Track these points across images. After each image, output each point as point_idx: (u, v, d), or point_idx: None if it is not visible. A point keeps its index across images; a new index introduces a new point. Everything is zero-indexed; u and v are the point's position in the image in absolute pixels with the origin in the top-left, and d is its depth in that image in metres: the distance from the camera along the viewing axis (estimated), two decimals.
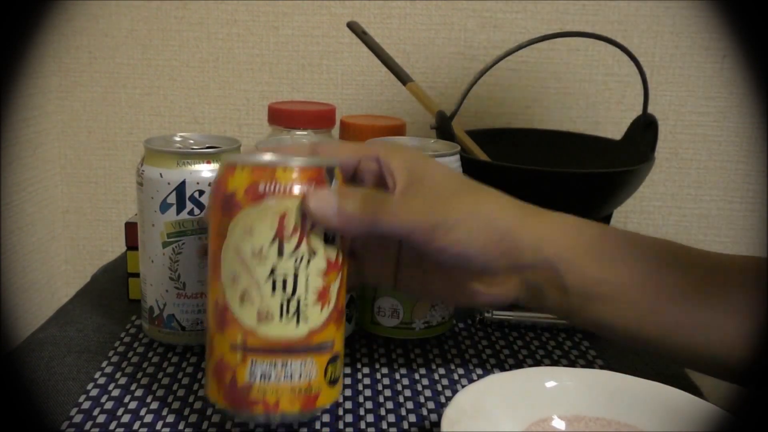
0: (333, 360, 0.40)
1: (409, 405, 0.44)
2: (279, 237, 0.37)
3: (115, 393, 0.44)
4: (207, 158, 0.47)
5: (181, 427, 0.41)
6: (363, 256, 0.44)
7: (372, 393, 0.46)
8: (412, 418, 0.43)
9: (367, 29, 0.67)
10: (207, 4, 0.89)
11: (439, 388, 0.47)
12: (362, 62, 0.90)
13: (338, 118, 0.64)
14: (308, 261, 0.38)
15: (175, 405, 0.43)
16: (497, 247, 0.41)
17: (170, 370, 0.47)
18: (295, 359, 0.38)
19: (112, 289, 0.60)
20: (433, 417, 0.43)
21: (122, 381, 0.46)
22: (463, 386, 0.47)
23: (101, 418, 0.42)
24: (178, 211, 0.47)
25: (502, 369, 0.49)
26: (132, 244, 0.56)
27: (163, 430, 0.41)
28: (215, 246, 0.39)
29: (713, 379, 0.44)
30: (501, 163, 0.60)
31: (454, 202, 0.41)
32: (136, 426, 0.41)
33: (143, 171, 0.48)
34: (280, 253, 0.37)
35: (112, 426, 0.41)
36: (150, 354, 0.50)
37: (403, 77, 0.65)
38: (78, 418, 0.42)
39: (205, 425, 0.41)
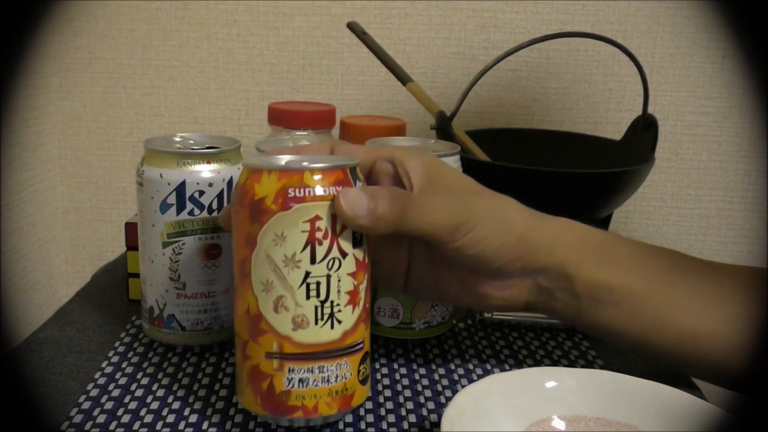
0: (364, 359, 0.40)
1: (409, 405, 0.44)
2: (311, 242, 0.37)
3: (115, 393, 0.44)
4: (207, 158, 0.47)
5: (181, 427, 0.41)
6: (374, 259, 0.44)
7: (372, 393, 0.46)
8: (412, 418, 0.43)
9: (367, 29, 0.67)
10: (207, 4, 0.89)
11: (439, 388, 0.47)
12: (362, 62, 0.90)
13: (338, 118, 0.64)
14: (339, 264, 0.38)
15: (176, 405, 0.43)
16: (513, 249, 0.41)
17: (170, 370, 0.48)
18: (330, 362, 0.38)
19: (112, 290, 0.60)
20: (433, 417, 0.43)
21: (122, 381, 0.46)
22: (463, 386, 0.47)
23: (101, 418, 0.42)
24: (178, 212, 0.47)
25: (502, 369, 0.49)
26: (132, 244, 0.56)
27: (163, 430, 0.41)
28: (244, 254, 0.38)
29: None
30: (501, 163, 0.60)
31: (474, 203, 0.41)
32: (136, 426, 0.41)
33: (143, 171, 0.48)
34: (313, 257, 0.37)
35: (112, 426, 0.41)
36: (150, 354, 0.50)
37: (403, 77, 0.65)
38: (78, 418, 0.42)
39: (205, 425, 0.41)
